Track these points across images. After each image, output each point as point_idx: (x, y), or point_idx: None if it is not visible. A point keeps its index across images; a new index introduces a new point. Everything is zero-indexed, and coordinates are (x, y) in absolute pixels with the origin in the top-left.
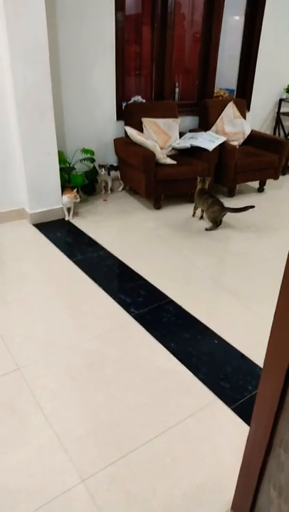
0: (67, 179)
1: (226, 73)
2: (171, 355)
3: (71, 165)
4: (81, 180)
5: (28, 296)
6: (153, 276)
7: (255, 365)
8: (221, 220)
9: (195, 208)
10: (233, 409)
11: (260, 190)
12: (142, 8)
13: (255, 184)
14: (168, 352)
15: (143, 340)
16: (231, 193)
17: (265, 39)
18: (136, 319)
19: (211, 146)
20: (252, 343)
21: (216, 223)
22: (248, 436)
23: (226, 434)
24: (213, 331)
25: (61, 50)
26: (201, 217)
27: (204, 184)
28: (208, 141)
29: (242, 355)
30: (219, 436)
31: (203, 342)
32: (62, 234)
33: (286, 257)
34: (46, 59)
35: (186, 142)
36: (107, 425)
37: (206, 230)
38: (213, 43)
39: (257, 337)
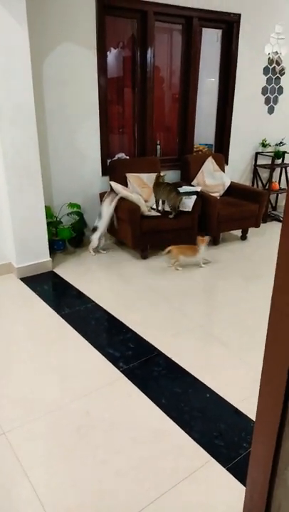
0: (55, 232)
1: (205, 130)
2: (163, 413)
3: (58, 219)
4: (68, 233)
5: (14, 355)
6: (142, 327)
7: (249, 420)
8: (178, 206)
9: (157, 203)
10: (228, 470)
11: (243, 238)
12: (124, 72)
13: (238, 232)
14: (159, 409)
15: (133, 398)
16: (215, 242)
17: (238, 98)
18: (125, 375)
19: (190, 206)
20: (245, 395)
21: (176, 210)
22: (244, 503)
23: (222, 499)
24: (205, 384)
25: (48, 111)
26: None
27: (159, 179)
28: (185, 198)
29: (235, 410)
30: (215, 501)
31: (195, 396)
32: (50, 287)
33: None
34: (33, 121)
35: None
36: (97, 495)
37: (170, 218)
38: (191, 103)
39: (249, 389)
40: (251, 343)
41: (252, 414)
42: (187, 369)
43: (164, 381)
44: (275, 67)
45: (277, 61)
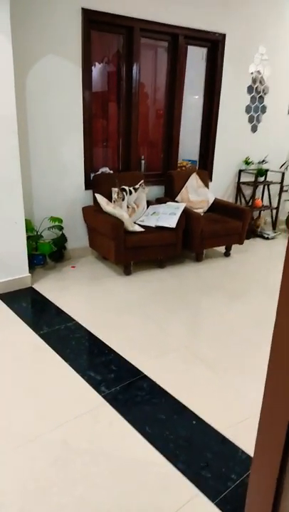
0: (35, 247)
1: (188, 146)
2: (147, 442)
3: (39, 233)
4: (49, 248)
5: None
6: (124, 347)
7: (237, 449)
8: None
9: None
10: (216, 504)
11: (227, 254)
12: (109, 87)
13: (222, 249)
14: (143, 438)
15: (115, 426)
16: (199, 258)
17: (223, 116)
18: (107, 400)
19: (173, 222)
20: (232, 422)
21: None
22: None
23: None
24: (191, 410)
25: (30, 123)
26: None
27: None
28: (169, 215)
29: (223, 438)
30: None
31: (180, 423)
32: (28, 304)
33: (257, 323)
34: (15, 133)
35: (149, 220)
36: None
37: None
38: (176, 119)
39: (237, 415)
40: (237, 366)
41: (239, 442)
42: (172, 393)
43: (148, 407)
44: (258, 86)
45: (260, 80)
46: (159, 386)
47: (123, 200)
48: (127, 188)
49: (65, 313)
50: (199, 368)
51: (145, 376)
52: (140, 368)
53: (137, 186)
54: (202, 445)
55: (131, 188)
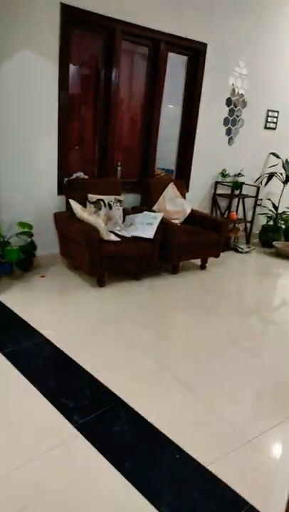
0: (1, 254)
1: (163, 154)
2: (126, 481)
3: (6, 239)
4: (16, 255)
5: None
6: (98, 368)
7: (224, 486)
8: None
9: None
10: None
11: (202, 267)
12: (86, 89)
13: (198, 261)
14: (122, 476)
15: (90, 462)
16: (175, 271)
17: (201, 127)
18: (80, 431)
19: (151, 233)
20: (216, 456)
21: None
22: None
23: None
24: (173, 441)
25: (2, 121)
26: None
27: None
28: (146, 225)
29: (209, 474)
30: None
31: (162, 457)
32: None
33: (232, 341)
34: None
35: (128, 230)
36: None
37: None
38: (154, 127)
39: (221, 448)
40: (216, 388)
41: (226, 478)
42: (152, 422)
43: (126, 438)
44: (237, 98)
45: (240, 93)
46: (137, 413)
47: (99, 209)
48: (106, 200)
49: (33, 328)
50: (179, 392)
51: (122, 402)
52: (116, 393)
53: (114, 202)
54: (187, 483)
55: (110, 202)
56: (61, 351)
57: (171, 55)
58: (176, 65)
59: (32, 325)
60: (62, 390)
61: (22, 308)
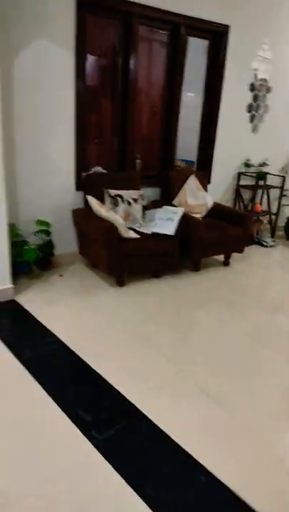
0: (19, 254)
1: (183, 145)
2: (148, 509)
3: (24, 238)
4: (34, 255)
5: None
6: (118, 376)
7: None
8: None
9: None
10: None
11: (226, 263)
12: (103, 79)
13: (220, 257)
14: (143, 503)
15: (110, 485)
16: (197, 268)
17: (223, 115)
18: (98, 449)
19: (172, 229)
20: (244, 476)
21: None
22: None
23: None
24: (198, 462)
25: (16, 116)
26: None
27: None
28: (166, 220)
29: (237, 498)
30: None
31: (187, 481)
32: (9, 321)
33: (260, 343)
34: None
35: (147, 226)
36: None
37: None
38: (174, 116)
39: (251, 467)
40: (246, 399)
41: (256, 504)
42: (176, 439)
43: (148, 458)
44: (261, 84)
45: (263, 78)
46: (160, 430)
47: (117, 206)
48: (124, 196)
49: (50, 332)
50: (205, 404)
51: (143, 416)
52: (137, 405)
53: (136, 197)
54: (213, 510)
55: (130, 199)
56: (78, 357)
57: (191, 40)
58: (195, 51)
59: (50, 329)
60: (78, 400)
61: (40, 311)
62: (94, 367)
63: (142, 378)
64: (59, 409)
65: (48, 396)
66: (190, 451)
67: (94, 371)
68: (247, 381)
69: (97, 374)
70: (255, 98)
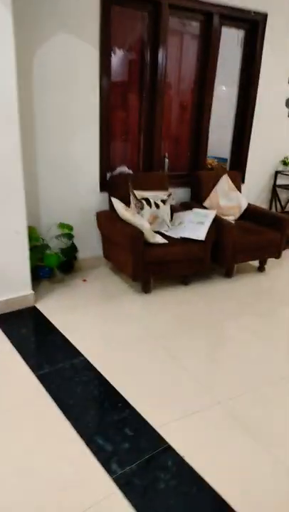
0: (40, 258)
1: (214, 141)
2: None
3: (45, 242)
4: (56, 260)
5: None
6: (142, 400)
7: None
8: None
9: None
10: None
11: (261, 269)
12: (130, 74)
13: (255, 262)
14: None
15: None
16: (229, 274)
17: (259, 110)
18: (119, 486)
19: (202, 234)
20: None
21: None
22: None
23: None
24: (230, 506)
25: (37, 115)
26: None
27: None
28: (196, 224)
29: None
30: None
31: None
32: (29, 330)
33: None
34: (15, 126)
35: (176, 230)
36: None
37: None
38: (206, 113)
39: None
40: (286, 433)
41: None
42: (206, 478)
43: (174, 499)
44: None
45: None
46: (188, 466)
47: (142, 209)
48: (151, 199)
49: (71, 344)
50: (240, 437)
51: (169, 447)
52: (163, 434)
53: (164, 198)
54: None
55: (158, 201)
56: (100, 375)
57: (224, 31)
58: (229, 43)
59: (70, 340)
60: (99, 426)
61: (61, 319)
62: (117, 387)
63: (169, 403)
64: (76, 435)
65: (64, 418)
66: (221, 493)
67: (116, 392)
68: (286, 411)
69: (120, 395)
70: None
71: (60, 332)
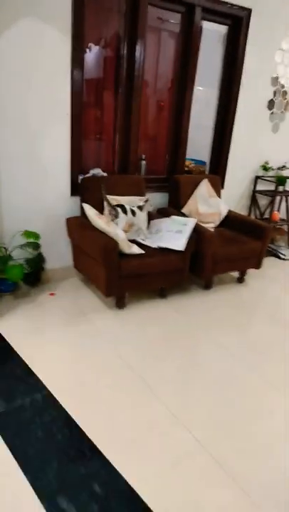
0: (1, 270)
1: (192, 143)
2: None
3: (8, 252)
4: (19, 273)
5: None
6: (116, 445)
7: None
8: None
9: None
10: None
11: (240, 280)
12: (104, 70)
13: (235, 273)
14: None
15: None
16: (208, 285)
17: (240, 112)
18: None
19: (181, 244)
20: None
21: None
22: None
23: None
24: None
25: None
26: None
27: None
28: (175, 233)
29: None
30: None
31: None
32: None
33: None
34: None
35: (153, 239)
36: None
37: None
38: (185, 113)
39: None
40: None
41: None
42: None
43: None
44: (286, 77)
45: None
46: None
47: (117, 217)
48: (127, 206)
49: (33, 373)
50: (232, 494)
51: (148, 510)
52: (141, 494)
53: (141, 204)
54: None
55: (134, 208)
56: (66, 414)
57: (204, 29)
58: (208, 40)
59: (32, 369)
60: (62, 482)
61: (22, 343)
62: (85, 429)
63: (147, 451)
64: (34, 496)
65: (21, 473)
66: None
67: (85, 436)
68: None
69: (89, 440)
70: (278, 93)
71: (21, 359)
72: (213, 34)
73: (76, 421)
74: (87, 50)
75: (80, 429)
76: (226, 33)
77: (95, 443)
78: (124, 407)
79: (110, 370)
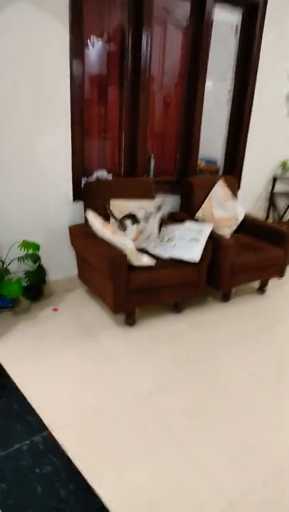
0: None
1: (203, 140)
2: None
3: (4, 265)
4: (17, 290)
5: None
6: (127, 505)
7: None
8: None
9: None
10: None
11: (261, 291)
12: (108, 64)
13: (255, 283)
14: None
15: None
16: (226, 298)
17: (256, 107)
18: None
19: (196, 254)
20: None
21: None
22: None
23: None
24: None
25: None
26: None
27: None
28: (189, 241)
29: None
30: None
31: None
32: None
33: None
34: None
35: (164, 248)
36: None
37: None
38: (197, 111)
39: None
40: None
41: None
42: None
43: None
44: None
45: None
46: None
47: (125, 230)
48: (137, 215)
49: (32, 410)
50: None
51: None
52: None
53: (153, 210)
54: None
55: (144, 214)
56: (69, 462)
57: (217, 18)
58: (219, 33)
59: (31, 402)
60: None
61: (20, 370)
62: (91, 481)
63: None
64: None
65: None
66: None
67: (91, 491)
68: None
69: (97, 498)
70: None
71: (18, 390)
72: (223, 26)
73: (80, 470)
74: (90, 44)
75: (86, 481)
76: (240, 22)
77: (103, 500)
78: (135, 450)
79: (120, 402)
